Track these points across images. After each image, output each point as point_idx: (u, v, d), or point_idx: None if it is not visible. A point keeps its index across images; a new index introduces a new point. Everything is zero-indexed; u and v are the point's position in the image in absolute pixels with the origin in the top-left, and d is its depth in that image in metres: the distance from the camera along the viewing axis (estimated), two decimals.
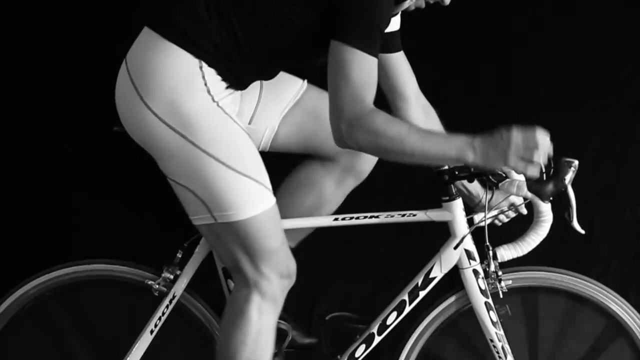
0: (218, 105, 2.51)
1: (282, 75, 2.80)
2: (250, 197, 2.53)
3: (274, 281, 2.60)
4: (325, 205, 2.88)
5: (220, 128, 2.51)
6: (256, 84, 2.76)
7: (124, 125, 2.60)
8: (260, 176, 2.55)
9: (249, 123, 2.76)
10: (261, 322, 2.60)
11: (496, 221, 2.89)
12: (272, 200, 2.57)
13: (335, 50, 2.42)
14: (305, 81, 2.84)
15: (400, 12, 2.75)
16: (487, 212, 2.72)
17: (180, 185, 2.56)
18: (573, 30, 3.42)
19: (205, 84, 2.50)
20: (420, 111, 2.86)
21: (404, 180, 3.32)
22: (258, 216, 2.54)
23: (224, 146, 2.50)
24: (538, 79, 3.45)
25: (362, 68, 2.40)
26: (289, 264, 2.63)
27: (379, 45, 2.44)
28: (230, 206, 2.52)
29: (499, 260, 2.78)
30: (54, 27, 3.38)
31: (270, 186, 2.57)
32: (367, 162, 2.87)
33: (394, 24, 2.77)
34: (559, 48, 3.43)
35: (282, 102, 2.80)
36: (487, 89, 3.45)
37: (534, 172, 2.40)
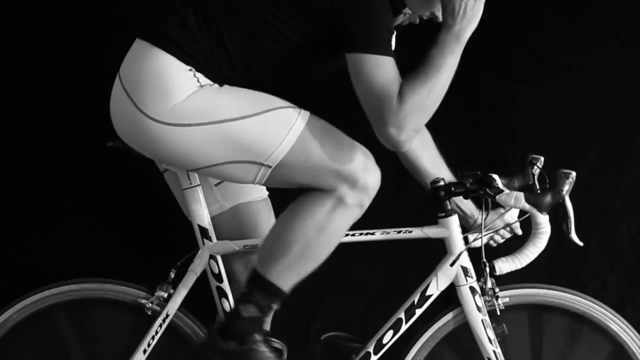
0: (202, 85, 2.51)
1: None
2: (282, 124, 2.51)
3: (359, 177, 2.54)
4: None
5: (217, 96, 2.51)
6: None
7: (125, 139, 2.59)
8: (276, 102, 2.54)
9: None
10: (334, 219, 2.55)
11: (491, 242, 2.89)
12: (301, 112, 2.54)
13: (352, 62, 2.45)
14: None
15: (394, 34, 2.75)
16: (483, 230, 2.71)
17: (216, 167, 2.53)
18: (571, 45, 3.41)
19: (198, 80, 2.50)
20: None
21: (400, 196, 3.30)
22: (301, 134, 2.51)
23: (229, 106, 2.50)
24: (535, 94, 3.44)
25: (386, 70, 2.44)
26: (366, 160, 2.56)
27: (392, 42, 2.47)
28: (271, 145, 2.50)
29: (497, 273, 2.77)
30: (44, 44, 3.36)
31: (292, 104, 2.55)
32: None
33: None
34: (557, 63, 3.42)
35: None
36: (484, 105, 3.44)
37: None
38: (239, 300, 2.63)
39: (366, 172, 2.55)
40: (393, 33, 2.50)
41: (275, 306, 2.63)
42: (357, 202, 2.54)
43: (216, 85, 2.53)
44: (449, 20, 2.49)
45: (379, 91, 2.43)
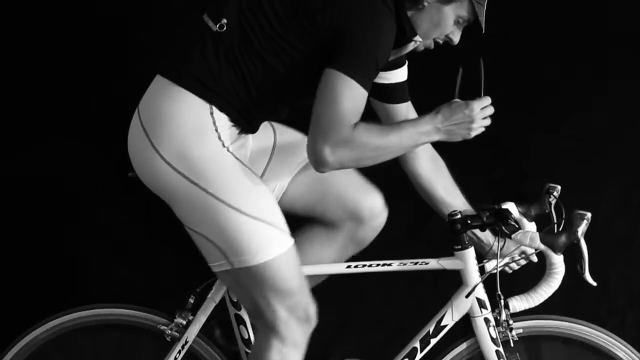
0: (228, 150, 2.53)
1: (296, 135, 2.83)
2: (265, 241, 2.52)
3: (293, 326, 2.59)
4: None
5: (231, 173, 2.53)
6: (269, 141, 2.80)
7: (138, 173, 2.62)
8: (274, 219, 2.55)
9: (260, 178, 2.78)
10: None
11: (507, 269, 2.88)
12: (289, 242, 2.57)
13: (328, 76, 2.44)
14: None
15: (407, 62, 2.79)
16: (498, 260, 2.72)
17: (195, 232, 2.57)
18: (590, 82, 3.43)
19: (216, 130, 2.52)
20: (428, 161, 2.86)
21: (418, 228, 3.32)
22: (274, 260, 2.53)
23: (235, 191, 2.51)
24: (554, 131, 3.45)
25: (354, 97, 2.44)
26: (308, 307, 2.61)
27: (372, 81, 2.48)
28: (245, 251, 2.52)
29: (511, 311, 2.77)
30: (70, 75, 3.43)
31: (286, 228, 2.57)
32: (372, 231, 2.85)
33: (401, 75, 2.80)
34: (576, 100, 3.44)
35: (295, 162, 2.81)
36: (504, 141, 3.45)
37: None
38: None
39: (299, 329, 2.60)
40: (381, 65, 2.50)
41: None
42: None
43: (240, 161, 2.55)
44: (440, 116, 2.51)
45: (342, 113, 2.42)
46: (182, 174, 2.51)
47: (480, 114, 2.52)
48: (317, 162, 2.46)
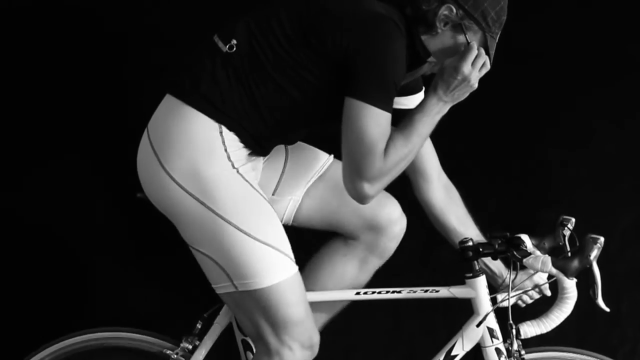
0: (238, 171, 2.52)
1: (308, 148, 2.82)
2: (270, 266, 2.52)
3: (295, 351, 2.57)
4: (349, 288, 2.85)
5: (239, 195, 2.51)
6: (281, 155, 2.78)
7: (146, 192, 2.62)
8: (281, 244, 2.54)
9: (273, 194, 2.76)
10: None
11: (519, 302, 2.87)
12: (294, 269, 2.56)
13: (349, 107, 2.45)
14: (332, 156, 2.84)
15: (423, 88, 2.77)
16: (510, 290, 2.69)
17: (201, 253, 2.56)
18: (604, 110, 3.41)
19: (225, 150, 2.51)
20: (441, 190, 2.87)
21: (429, 255, 3.30)
22: (279, 284, 2.52)
23: (243, 214, 2.50)
24: (569, 159, 3.44)
25: (380, 124, 2.45)
26: (312, 335, 2.60)
27: (393, 100, 2.49)
28: (250, 274, 2.51)
29: (522, 337, 2.73)
30: (81, 95, 3.42)
31: (292, 255, 2.56)
32: (392, 240, 2.84)
33: (417, 101, 2.77)
34: (590, 127, 3.42)
35: (307, 174, 2.80)
36: (517, 167, 3.44)
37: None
38: None
39: (301, 356, 2.59)
40: (399, 87, 2.51)
41: None
42: None
43: (250, 183, 2.54)
44: (440, 91, 2.53)
45: (368, 143, 2.45)
46: (191, 193, 2.50)
47: (473, 71, 2.50)
48: (359, 198, 2.52)
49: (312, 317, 2.62)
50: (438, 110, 2.54)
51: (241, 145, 2.55)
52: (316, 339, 2.61)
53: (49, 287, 3.42)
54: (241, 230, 2.49)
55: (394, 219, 2.82)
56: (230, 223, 2.49)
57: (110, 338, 2.89)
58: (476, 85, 2.53)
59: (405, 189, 2.84)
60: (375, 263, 2.85)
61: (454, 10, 2.53)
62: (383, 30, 2.46)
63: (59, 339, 2.90)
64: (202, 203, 2.49)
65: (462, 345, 2.75)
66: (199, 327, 2.81)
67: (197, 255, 2.58)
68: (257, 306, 2.55)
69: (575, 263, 2.60)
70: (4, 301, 3.44)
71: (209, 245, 2.53)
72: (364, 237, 2.81)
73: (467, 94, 2.55)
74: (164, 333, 2.87)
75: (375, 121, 2.44)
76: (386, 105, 2.46)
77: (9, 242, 3.44)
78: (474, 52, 2.50)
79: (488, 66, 2.52)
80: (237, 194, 2.51)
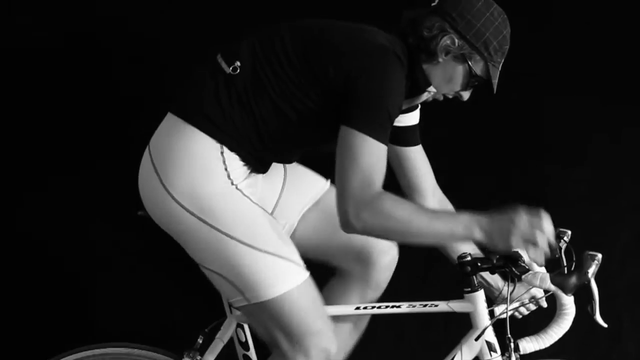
0: (237, 187, 2.54)
1: (306, 172, 2.84)
2: (278, 275, 2.52)
3: (312, 358, 2.56)
4: (357, 321, 2.87)
5: (239, 209, 2.53)
6: (279, 177, 2.79)
7: (148, 210, 2.64)
8: (286, 252, 2.54)
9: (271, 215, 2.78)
10: None
11: (516, 313, 2.88)
12: (304, 275, 2.56)
13: (344, 135, 2.45)
14: (328, 181, 2.85)
15: (419, 105, 2.79)
16: (508, 304, 2.70)
17: (209, 270, 2.57)
18: (603, 126, 3.43)
19: (226, 169, 2.53)
20: (437, 206, 2.88)
21: (428, 270, 3.31)
22: (289, 293, 2.52)
23: (244, 226, 2.51)
24: (568, 174, 3.45)
25: (372, 153, 2.44)
26: (329, 345, 2.58)
27: (389, 132, 2.47)
28: (259, 286, 2.51)
29: (521, 353, 2.75)
30: (83, 111, 3.45)
31: (300, 262, 2.56)
32: (382, 272, 2.84)
33: (413, 118, 2.81)
34: (588, 143, 3.43)
35: (303, 199, 2.82)
36: (516, 184, 3.45)
37: (536, 255, 2.42)
38: None
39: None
40: (392, 121, 2.49)
41: None
42: None
43: (249, 197, 2.55)
44: (485, 221, 2.45)
45: (363, 172, 2.42)
46: (192, 212, 2.51)
47: (529, 224, 2.43)
48: (343, 223, 2.47)
49: (332, 326, 2.61)
50: (468, 225, 2.44)
51: (241, 163, 2.57)
52: (334, 349, 2.59)
53: (51, 303, 3.44)
54: (243, 243, 2.50)
55: (384, 249, 2.82)
56: (231, 237, 2.50)
57: (112, 354, 2.87)
58: (510, 246, 2.44)
59: None
60: (372, 296, 2.85)
61: (456, 40, 2.54)
62: (383, 62, 2.48)
63: (61, 354, 2.89)
64: (202, 220, 2.51)
65: (460, 359, 2.76)
66: (200, 342, 2.80)
67: (207, 273, 2.59)
68: (270, 316, 2.55)
69: (574, 279, 2.61)
70: (8, 317, 3.46)
71: (215, 262, 2.54)
72: (355, 271, 2.81)
73: (501, 244, 2.45)
74: (165, 348, 2.86)
75: (368, 150, 2.43)
76: (380, 135, 2.44)
77: (15, 258, 3.47)
78: (544, 220, 2.44)
79: (539, 258, 2.45)
80: (236, 208, 2.53)
